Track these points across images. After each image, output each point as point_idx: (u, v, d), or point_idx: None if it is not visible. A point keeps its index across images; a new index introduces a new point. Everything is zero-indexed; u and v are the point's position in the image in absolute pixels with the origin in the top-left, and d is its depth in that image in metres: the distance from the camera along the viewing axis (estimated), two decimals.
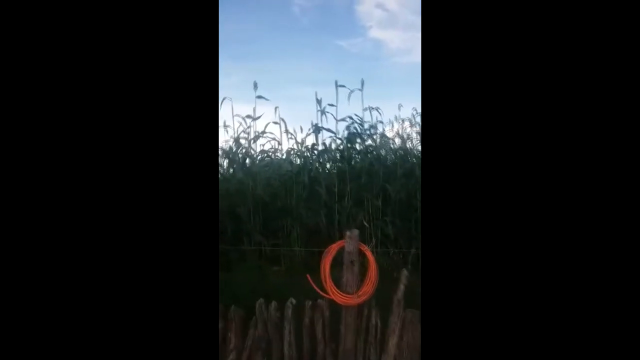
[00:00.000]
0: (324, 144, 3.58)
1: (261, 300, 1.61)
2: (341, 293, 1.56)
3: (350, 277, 1.58)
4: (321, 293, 1.57)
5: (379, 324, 1.61)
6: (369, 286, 1.57)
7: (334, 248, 1.61)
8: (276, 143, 3.61)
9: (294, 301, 1.60)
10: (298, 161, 3.62)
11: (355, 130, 3.47)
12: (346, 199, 3.17)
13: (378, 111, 3.57)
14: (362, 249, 1.62)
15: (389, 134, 3.71)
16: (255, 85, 3.49)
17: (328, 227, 3.09)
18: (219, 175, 3.56)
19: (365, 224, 3.09)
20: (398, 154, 3.56)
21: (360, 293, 1.56)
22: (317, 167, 3.57)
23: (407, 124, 3.71)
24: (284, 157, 3.66)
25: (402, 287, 1.61)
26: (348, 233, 1.61)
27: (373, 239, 2.89)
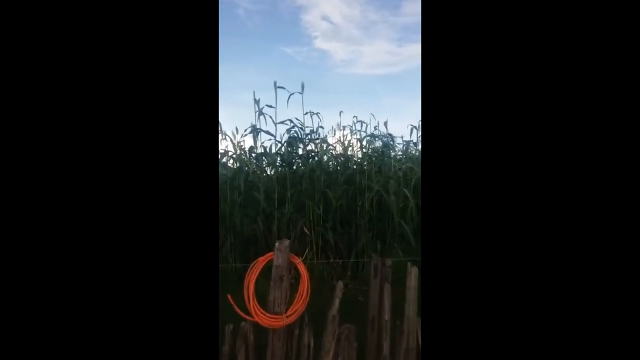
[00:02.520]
0: (262, 146, 3.38)
1: None
2: (267, 314, 1.37)
3: (279, 295, 1.40)
4: (243, 315, 1.37)
5: (311, 345, 1.45)
6: (299, 303, 1.41)
7: (260, 262, 1.42)
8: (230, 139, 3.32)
9: None
10: (233, 165, 3.36)
11: (296, 134, 3.34)
12: (286, 206, 2.99)
13: (319, 116, 3.48)
14: (293, 261, 1.46)
15: (330, 140, 3.65)
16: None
17: (266, 235, 2.88)
18: None
19: (306, 230, 2.94)
20: (339, 160, 3.50)
21: (289, 313, 1.39)
22: (254, 171, 3.35)
23: (347, 130, 3.68)
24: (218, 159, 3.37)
25: (337, 301, 1.48)
26: (277, 244, 1.44)
27: (307, 249, 2.75)
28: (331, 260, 2.83)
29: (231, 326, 1.40)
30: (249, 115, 3.30)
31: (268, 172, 3.39)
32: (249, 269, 1.41)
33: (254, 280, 1.38)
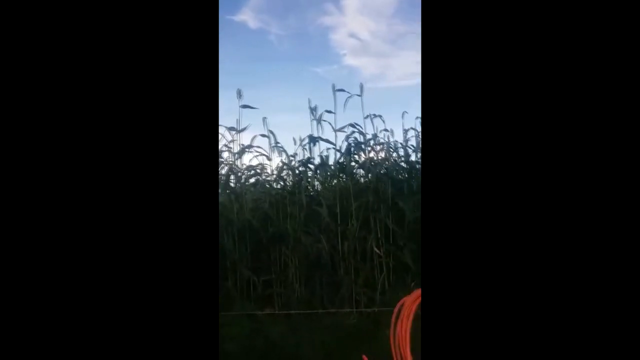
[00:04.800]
0: (320, 156, 3.10)
1: None
2: None
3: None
4: None
5: None
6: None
7: (409, 305, 1.01)
8: (264, 158, 3.10)
9: None
10: (291, 179, 3.11)
11: (357, 141, 3.01)
12: (351, 221, 2.65)
13: (381, 119, 3.14)
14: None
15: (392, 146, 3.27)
16: (239, 94, 3.02)
17: (332, 255, 2.55)
18: None
19: (377, 250, 2.57)
20: (407, 166, 3.11)
21: None
22: (313, 185, 3.07)
23: (412, 133, 3.27)
24: (274, 173, 3.14)
25: None
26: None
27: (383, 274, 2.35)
28: (412, 285, 2.40)
29: None
30: (301, 123, 3.09)
31: (326, 184, 3.10)
32: (395, 315, 1.01)
33: (408, 330, 0.98)
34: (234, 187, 2.91)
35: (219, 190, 2.84)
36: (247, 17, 6.33)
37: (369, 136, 3.07)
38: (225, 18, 5.57)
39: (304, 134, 3.07)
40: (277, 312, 2.42)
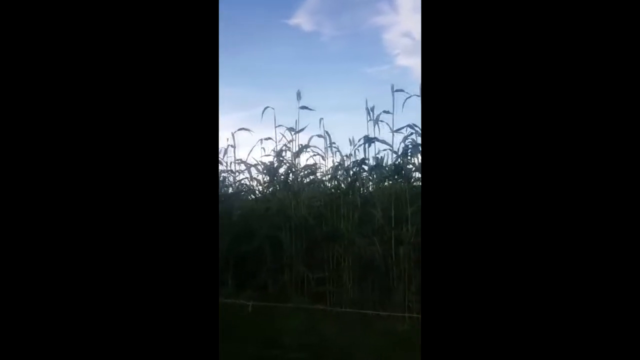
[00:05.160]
0: (376, 158, 3.08)
1: None
2: None
3: None
4: None
5: None
6: None
7: None
8: (320, 158, 3.17)
9: None
10: (345, 179, 3.14)
11: (415, 142, 2.94)
12: (407, 226, 2.61)
13: None
14: None
15: None
16: (299, 95, 3.11)
17: (386, 259, 2.54)
18: (258, 193, 3.17)
19: None
20: None
21: None
22: (367, 186, 3.06)
23: None
24: (329, 173, 3.20)
25: None
26: None
27: None
28: None
29: None
30: (356, 124, 3.10)
31: (381, 186, 3.07)
32: None
33: None
34: (292, 185, 3.03)
35: (278, 187, 2.99)
36: (301, 20, 6.45)
37: None
38: (280, 22, 5.74)
39: (360, 134, 3.07)
40: (328, 308, 2.50)
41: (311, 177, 3.12)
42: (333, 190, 3.09)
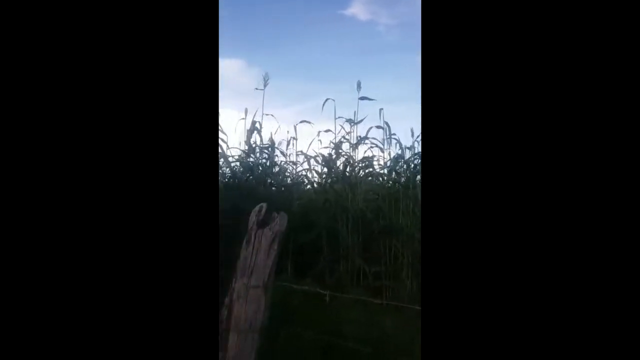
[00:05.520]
0: None
1: None
2: None
3: None
4: None
5: None
6: None
7: None
8: (378, 150, 3.10)
9: None
10: (405, 172, 3.04)
11: None
12: None
13: None
14: None
15: None
16: (359, 86, 3.07)
17: None
18: (316, 184, 3.22)
19: None
20: None
21: None
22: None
23: None
24: (388, 165, 3.12)
25: None
26: None
27: None
28: None
29: None
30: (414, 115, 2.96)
31: None
32: None
33: None
34: (349, 177, 3.02)
35: (336, 179, 3.01)
36: (357, 10, 6.33)
37: None
38: (336, 13, 5.69)
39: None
40: (385, 302, 2.46)
41: (369, 169, 3.07)
42: (391, 183, 3.01)
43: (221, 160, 3.08)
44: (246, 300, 1.19)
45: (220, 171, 3.09)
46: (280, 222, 1.26)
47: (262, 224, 1.26)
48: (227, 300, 1.24)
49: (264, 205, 1.29)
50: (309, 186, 3.38)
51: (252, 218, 1.28)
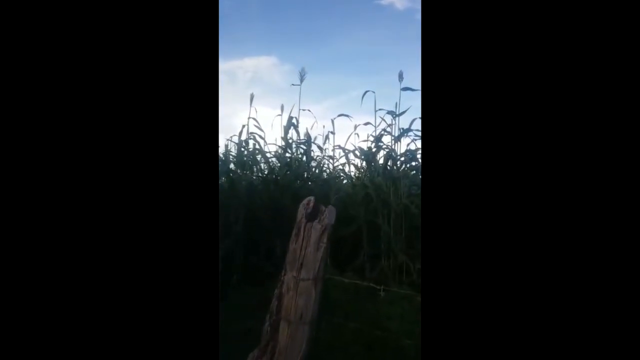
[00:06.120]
0: None
1: None
2: None
3: None
4: None
5: None
6: None
7: None
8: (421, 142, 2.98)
9: None
10: None
11: None
12: None
13: None
14: None
15: None
16: (401, 76, 2.96)
17: None
18: (356, 178, 3.18)
19: None
20: None
21: None
22: None
23: None
24: None
25: None
26: None
27: None
28: None
29: None
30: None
31: None
32: None
33: None
34: (390, 171, 2.94)
35: (377, 173, 2.95)
36: None
37: None
38: (374, 3, 5.53)
39: None
40: None
41: (412, 162, 2.97)
42: None
43: (259, 157, 3.14)
44: (296, 293, 1.20)
45: (257, 167, 3.16)
46: (329, 215, 1.25)
47: (311, 217, 1.26)
48: (276, 291, 1.26)
49: (312, 198, 1.29)
50: (346, 180, 3.35)
51: (301, 211, 1.28)
